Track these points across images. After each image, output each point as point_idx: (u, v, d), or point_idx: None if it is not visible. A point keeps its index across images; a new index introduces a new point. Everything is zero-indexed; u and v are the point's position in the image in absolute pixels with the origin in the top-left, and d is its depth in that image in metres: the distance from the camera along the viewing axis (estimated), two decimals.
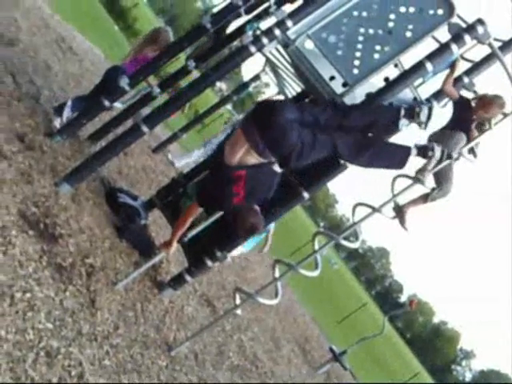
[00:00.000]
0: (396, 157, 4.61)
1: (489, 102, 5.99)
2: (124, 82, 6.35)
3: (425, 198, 6.56)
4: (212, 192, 4.63)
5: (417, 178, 5.57)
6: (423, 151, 4.61)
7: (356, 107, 4.94)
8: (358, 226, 5.43)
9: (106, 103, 6.45)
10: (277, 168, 4.40)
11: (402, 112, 4.59)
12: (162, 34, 7.13)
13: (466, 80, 5.48)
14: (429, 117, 4.55)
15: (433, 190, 6.46)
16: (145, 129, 5.68)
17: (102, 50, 15.98)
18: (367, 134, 4.68)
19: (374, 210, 5.37)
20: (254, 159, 4.26)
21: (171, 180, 7.03)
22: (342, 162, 5.55)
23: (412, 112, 4.58)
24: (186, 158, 11.60)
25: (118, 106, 6.95)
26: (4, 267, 3.97)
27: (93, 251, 5.26)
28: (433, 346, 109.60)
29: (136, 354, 4.78)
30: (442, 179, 6.33)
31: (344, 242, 5.34)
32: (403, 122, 4.65)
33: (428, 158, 4.65)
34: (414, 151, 4.58)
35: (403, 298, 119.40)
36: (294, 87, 7.11)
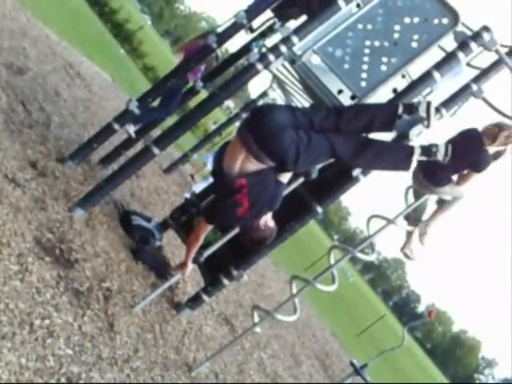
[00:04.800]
0: (399, 156, 4.32)
1: (494, 133, 5.87)
2: (133, 105, 6.38)
3: (441, 209, 6.36)
4: (216, 205, 4.57)
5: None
6: (427, 149, 4.41)
7: (350, 107, 4.82)
8: (373, 238, 5.41)
9: (116, 126, 6.49)
10: (283, 179, 4.30)
11: (401, 108, 4.30)
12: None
13: (474, 87, 5.45)
14: (428, 111, 4.27)
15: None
16: (156, 151, 5.70)
17: (110, 74, 16.11)
18: (366, 134, 4.43)
19: (389, 221, 5.35)
20: (253, 165, 4.12)
21: (184, 200, 7.05)
22: (354, 174, 5.55)
23: (410, 107, 4.30)
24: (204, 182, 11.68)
25: (131, 128, 6.97)
26: (22, 294, 3.98)
27: (109, 275, 5.27)
28: (454, 355, 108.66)
29: (157, 376, 4.76)
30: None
31: (360, 255, 5.31)
32: (404, 118, 4.50)
33: (433, 156, 4.42)
34: (417, 150, 4.26)
35: (421, 308, 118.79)
36: (302, 102, 7.13)
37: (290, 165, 4.12)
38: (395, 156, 4.33)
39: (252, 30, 7.15)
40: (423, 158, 4.31)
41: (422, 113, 4.26)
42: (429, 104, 4.29)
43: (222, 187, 4.37)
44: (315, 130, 4.18)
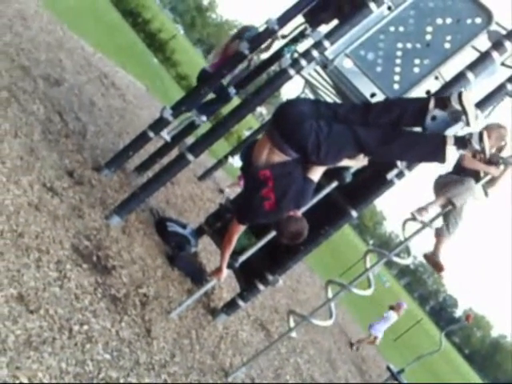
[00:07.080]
0: (430, 146, 4.18)
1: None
2: (167, 113, 6.45)
3: (441, 236, 6.47)
4: (245, 202, 4.58)
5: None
6: (460, 138, 4.13)
7: (379, 102, 4.78)
8: (408, 241, 5.36)
9: (151, 135, 6.56)
10: (313, 176, 4.26)
11: (432, 102, 4.19)
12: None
13: (509, 87, 5.37)
14: (460, 100, 4.07)
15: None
16: (190, 157, 5.75)
17: (144, 83, 16.28)
18: (396, 127, 4.26)
19: (425, 224, 5.30)
20: (277, 157, 4.14)
21: (219, 206, 7.08)
22: (388, 177, 5.52)
23: (443, 99, 4.20)
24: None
25: (166, 136, 7.02)
26: (61, 301, 4.05)
27: (146, 281, 5.33)
28: (493, 361, 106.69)
29: (193, 382, 4.79)
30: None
31: (396, 259, 5.26)
32: (438, 119, 4.35)
33: (469, 144, 4.23)
34: (450, 140, 4.10)
35: (458, 313, 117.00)
36: None
37: (311, 154, 4.10)
38: (426, 146, 4.21)
39: (283, 36, 7.17)
40: (460, 151, 4.20)
41: (456, 104, 4.14)
42: (460, 93, 4.15)
43: (249, 181, 4.41)
44: (339, 120, 4.16)
